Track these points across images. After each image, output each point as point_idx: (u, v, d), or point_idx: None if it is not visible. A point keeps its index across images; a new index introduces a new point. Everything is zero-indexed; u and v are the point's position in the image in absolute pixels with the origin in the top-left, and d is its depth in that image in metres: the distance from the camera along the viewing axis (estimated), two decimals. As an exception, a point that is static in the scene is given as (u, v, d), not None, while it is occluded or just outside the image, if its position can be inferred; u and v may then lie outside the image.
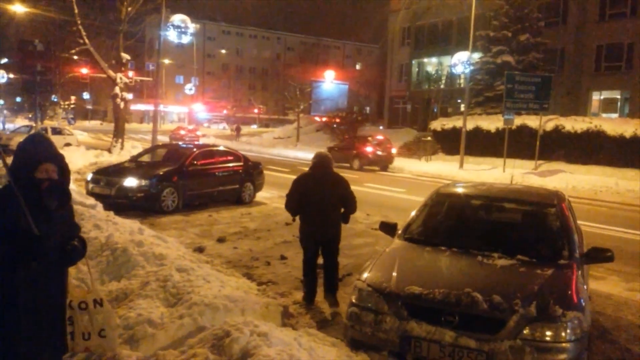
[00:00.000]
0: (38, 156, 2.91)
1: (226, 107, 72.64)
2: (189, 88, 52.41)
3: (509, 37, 31.00)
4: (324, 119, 42.85)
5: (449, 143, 28.35)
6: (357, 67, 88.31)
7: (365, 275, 4.46)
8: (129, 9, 23.61)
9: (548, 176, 21.45)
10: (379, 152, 25.11)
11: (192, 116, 61.50)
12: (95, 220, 7.56)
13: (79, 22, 22.36)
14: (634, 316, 6.01)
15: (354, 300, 4.32)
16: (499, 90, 28.36)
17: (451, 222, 5.59)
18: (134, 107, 63.92)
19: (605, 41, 31.39)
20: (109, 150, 23.23)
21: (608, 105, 32.50)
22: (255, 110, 75.15)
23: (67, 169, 3.05)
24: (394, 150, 26.42)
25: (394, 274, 4.36)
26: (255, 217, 11.19)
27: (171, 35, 25.43)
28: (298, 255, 7.95)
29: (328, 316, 5.60)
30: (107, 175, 11.51)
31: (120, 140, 24.21)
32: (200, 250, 7.97)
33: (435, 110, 40.63)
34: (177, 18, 25.36)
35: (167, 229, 9.45)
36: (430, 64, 43.96)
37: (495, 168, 23.80)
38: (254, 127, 65.01)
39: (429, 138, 30.90)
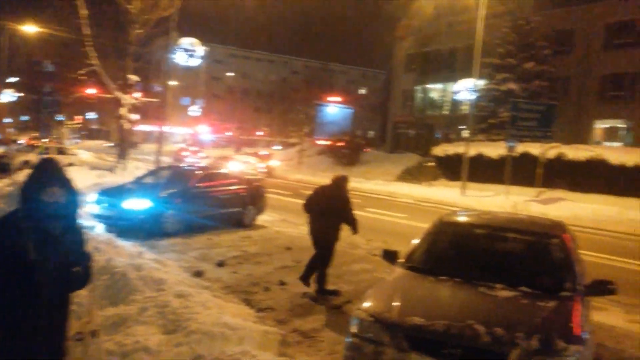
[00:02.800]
0: (44, 178, 2.90)
1: (231, 129, 72.93)
2: (194, 109, 52.70)
3: (514, 65, 31.24)
4: (328, 143, 42.97)
5: (451, 169, 28.33)
6: (362, 91, 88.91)
7: (366, 304, 4.39)
8: (139, 31, 23.89)
9: (550, 204, 21.36)
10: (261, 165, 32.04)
11: (196, 138, 61.73)
12: (95, 242, 7.52)
13: (88, 42, 22.61)
14: (636, 349, 5.93)
15: (354, 331, 4.25)
16: (502, 117, 28.45)
17: (454, 251, 5.54)
18: (137, 127, 64.26)
19: (609, 70, 31.59)
20: (112, 171, 23.27)
21: (611, 134, 32.54)
22: (260, 133, 75.43)
23: (75, 193, 3.02)
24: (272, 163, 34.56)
25: (396, 303, 4.30)
26: (256, 240, 11.13)
27: (180, 57, 25.72)
28: (298, 281, 7.90)
29: (326, 345, 5.50)
30: (110, 196, 11.48)
31: (123, 160, 24.28)
32: (199, 274, 7.90)
33: (437, 136, 40.73)
34: (186, 41, 25.66)
35: (166, 252, 9.39)
36: (435, 90, 44.21)
37: (498, 195, 23.72)
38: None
39: (431, 163, 30.91)
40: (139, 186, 12.33)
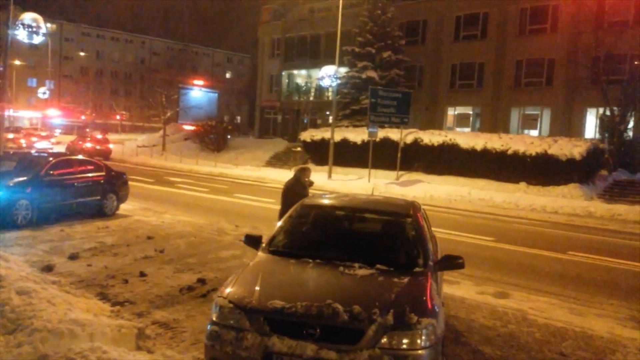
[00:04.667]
0: None
1: (85, 112, 67.99)
2: (43, 92, 48.40)
3: (373, 54, 32.55)
4: (193, 128, 41.80)
5: (318, 154, 29.01)
6: (228, 75, 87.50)
7: (227, 290, 4.28)
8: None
9: (408, 186, 22.75)
10: (98, 147, 34.64)
11: (45, 122, 56.74)
12: None
13: None
14: (485, 318, 6.46)
15: (214, 319, 4.13)
16: (364, 104, 29.61)
17: (315, 233, 5.60)
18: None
19: (459, 60, 34.18)
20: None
21: (461, 120, 35.36)
22: (118, 117, 71.23)
23: None
24: (111, 146, 36.80)
25: (257, 288, 4.24)
26: (114, 230, 10.50)
27: (21, 34, 23.25)
28: (159, 272, 7.58)
29: (189, 335, 5.32)
30: None
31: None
32: (48, 269, 7.25)
33: (305, 121, 41.40)
34: (28, 17, 23.26)
35: (11, 246, 8.54)
36: (300, 76, 44.76)
37: (362, 178, 24.76)
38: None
39: (299, 149, 31.39)
40: None
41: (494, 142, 23.61)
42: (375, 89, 25.59)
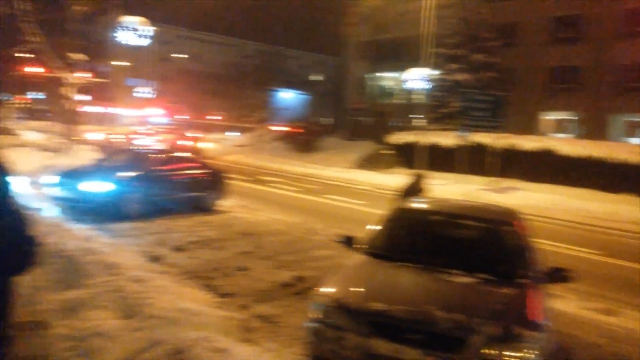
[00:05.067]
0: None
1: (182, 112, 71.52)
2: (145, 91, 51.39)
3: (464, 56, 31.79)
4: (283, 129, 42.78)
5: (406, 157, 28.70)
6: (317, 77, 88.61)
7: (327, 290, 4.38)
8: (82, 7, 22.96)
9: (505, 193, 21.95)
10: (192, 145, 34.85)
11: (146, 120, 60.27)
12: (46, 225, 7.24)
13: (26, 18, 21.56)
14: (589, 335, 6.12)
15: (315, 316, 4.24)
16: (454, 107, 28.94)
17: (413, 237, 5.59)
18: (84, 108, 62.17)
19: (555, 64, 32.58)
20: (61, 152, 22.43)
21: (557, 126, 33.67)
22: (212, 117, 74.27)
23: (3, 175, 2.80)
24: (205, 144, 37.40)
25: (357, 289, 4.31)
26: (214, 225, 10.96)
27: (126, 36, 24.91)
28: (258, 266, 7.85)
29: (288, 331, 5.47)
30: (71, 178, 11.12)
31: (71, 142, 23.47)
32: (156, 259, 7.73)
33: (392, 124, 41.15)
34: (133, 20, 24.89)
35: (122, 236, 9.14)
36: (387, 78, 44.53)
37: (452, 184, 24.20)
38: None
39: (387, 151, 31.24)
40: (99, 169, 11.99)
41: (596, 149, 22.29)
42: (467, 91, 24.99)
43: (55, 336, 4.45)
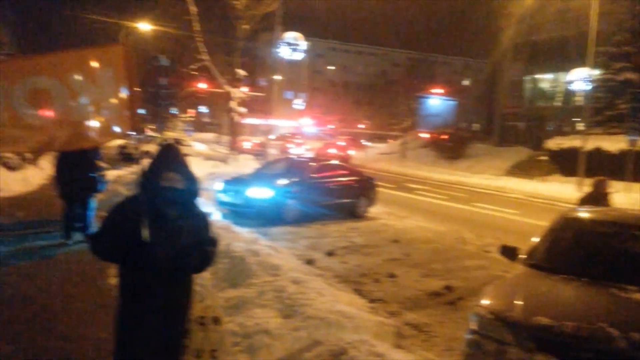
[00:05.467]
0: (163, 165, 2.99)
1: (332, 121, 73.80)
2: (298, 103, 53.86)
3: (632, 53, 28.83)
4: (431, 136, 42.20)
5: (565, 163, 26.70)
6: (466, 82, 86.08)
7: (487, 302, 4.27)
8: (246, 26, 24.81)
9: (681, 203, 19.49)
10: (340, 153, 36.27)
11: (299, 130, 63.22)
12: (214, 228, 7.94)
13: (198, 38, 23.80)
14: None
15: (474, 328, 4.15)
16: (621, 109, 26.35)
17: (579, 249, 5.22)
18: (245, 120, 66.78)
19: None
20: (225, 162, 24.43)
21: None
22: (361, 126, 75.64)
23: (193, 180, 3.08)
24: (351, 152, 38.75)
25: (519, 302, 4.14)
26: (363, 232, 11.18)
27: (284, 52, 26.42)
28: (406, 274, 7.87)
29: (442, 341, 5.42)
30: (235, 185, 12.14)
31: (235, 151, 25.47)
32: (310, 262, 8.09)
33: (550, 129, 38.58)
34: (290, 35, 26.33)
35: (279, 240, 9.66)
36: (545, 80, 41.88)
37: (618, 192, 22.02)
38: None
39: (544, 157, 29.34)
40: (260, 176, 12.91)
41: None
42: (637, 91, 22.59)
43: (225, 332, 4.87)
